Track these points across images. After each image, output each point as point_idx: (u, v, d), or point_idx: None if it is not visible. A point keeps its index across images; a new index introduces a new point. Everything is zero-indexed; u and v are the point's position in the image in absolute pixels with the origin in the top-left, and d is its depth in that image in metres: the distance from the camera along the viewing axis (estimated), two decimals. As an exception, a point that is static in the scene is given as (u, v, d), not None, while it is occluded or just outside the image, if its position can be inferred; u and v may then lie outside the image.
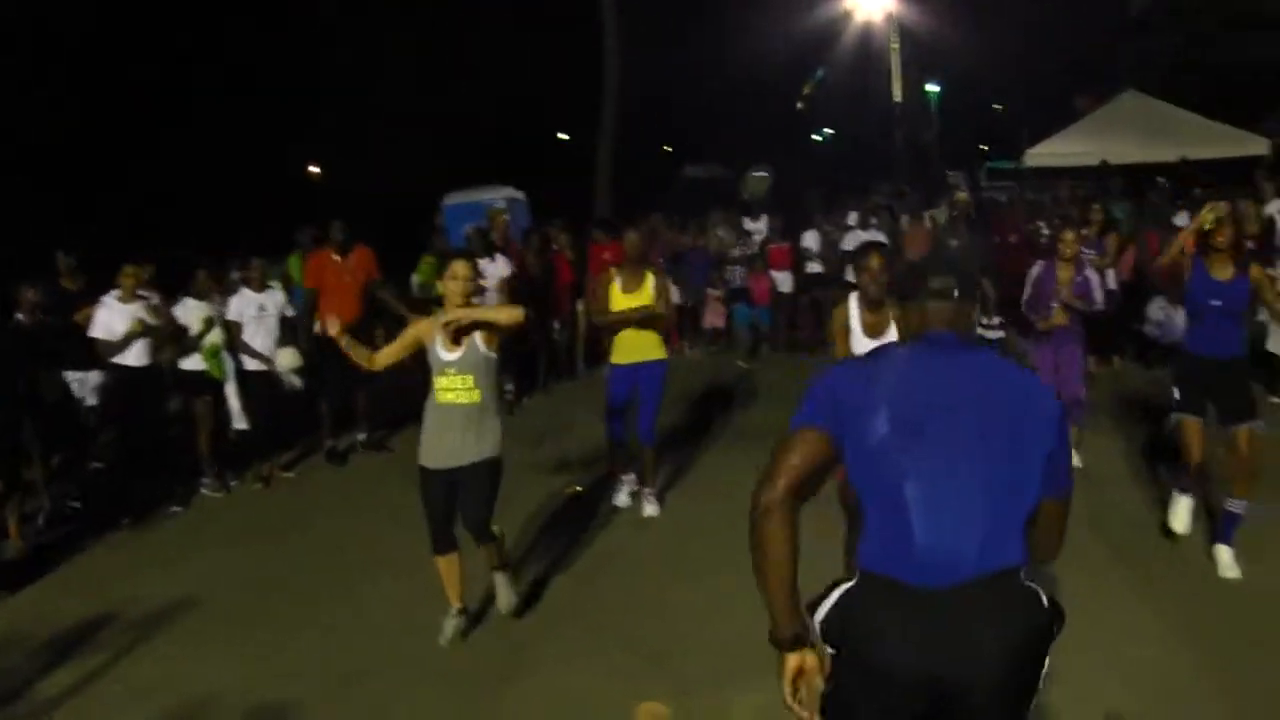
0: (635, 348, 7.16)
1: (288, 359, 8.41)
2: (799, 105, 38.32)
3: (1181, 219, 10.10)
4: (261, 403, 8.70)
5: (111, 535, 7.71)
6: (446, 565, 5.43)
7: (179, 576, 6.78)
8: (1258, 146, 18.71)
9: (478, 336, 5.16)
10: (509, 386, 10.55)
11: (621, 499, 7.55)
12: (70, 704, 5.17)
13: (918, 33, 25.75)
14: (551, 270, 11.47)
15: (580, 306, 11.94)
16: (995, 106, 42.21)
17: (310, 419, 9.42)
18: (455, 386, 5.16)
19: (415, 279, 9.69)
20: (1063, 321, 7.46)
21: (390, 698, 5.05)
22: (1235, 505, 5.70)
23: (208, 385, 8.48)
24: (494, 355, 5.24)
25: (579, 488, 7.96)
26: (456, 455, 5.22)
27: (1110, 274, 10.15)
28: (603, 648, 5.36)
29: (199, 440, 8.50)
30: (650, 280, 7.10)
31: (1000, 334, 11.47)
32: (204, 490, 8.53)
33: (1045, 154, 19.94)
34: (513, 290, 10.23)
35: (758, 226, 13.56)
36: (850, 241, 12.29)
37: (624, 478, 7.62)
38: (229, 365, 8.54)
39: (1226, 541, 5.74)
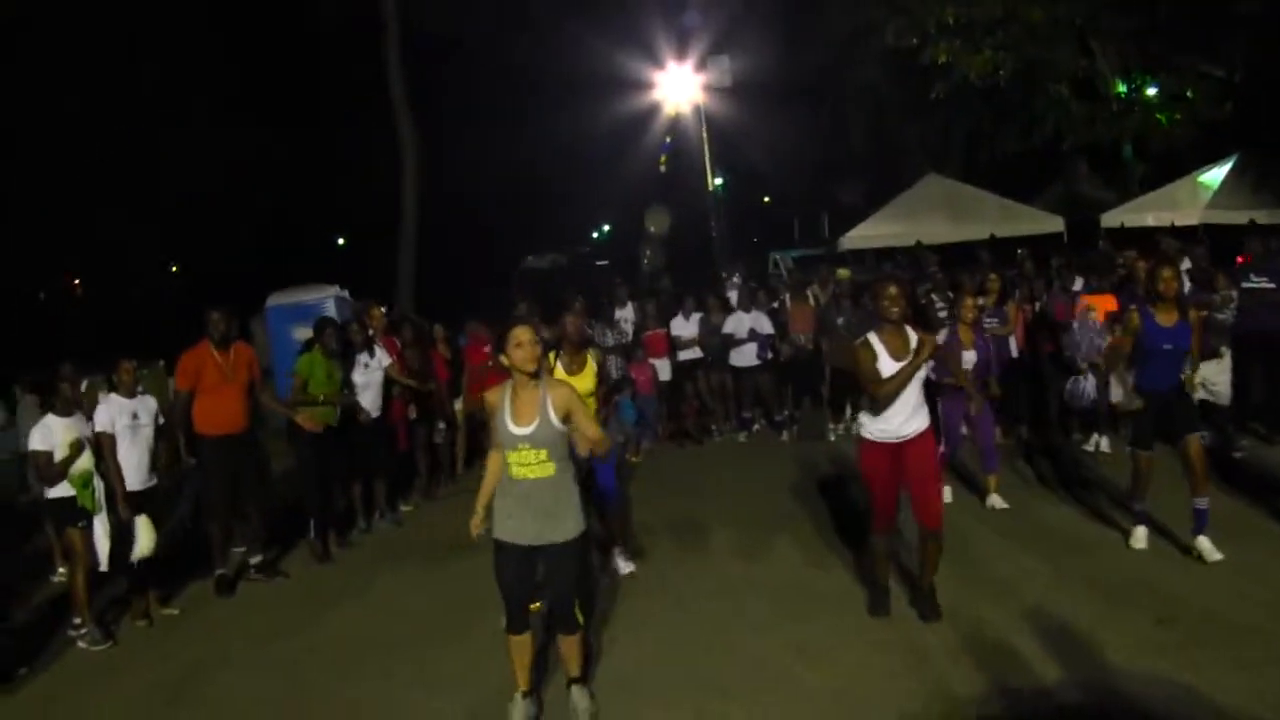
0: None
1: (144, 541, 7.15)
2: (661, 168, 38.84)
3: (1078, 284, 10.30)
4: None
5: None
6: (520, 646, 5.19)
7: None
8: (1054, 224, 19.93)
9: (550, 408, 4.86)
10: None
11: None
12: None
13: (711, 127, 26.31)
14: (430, 365, 10.52)
15: (458, 405, 11.04)
16: (765, 199, 43.97)
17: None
18: (528, 461, 4.86)
19: (297, 379, 8.53)
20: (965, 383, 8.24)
21: None
22: (1201, 503, 6.63)
23: (81, 513, 6.98)
24: (566, 428, 4.91)
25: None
26: (537, 534, 4.94)
27: (1011, 341, 10.20)
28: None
29: (73, 581, 7.01)
30: (591, 361, 7.10)
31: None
32: (81, 644, 6.97)
33: (860, 237, 20.58)
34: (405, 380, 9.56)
35: (625, 314, 13.02)
36: (732, 324, 11.95)
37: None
38: (100, 493, 7.09)
39: (1202, 532, 6.63)
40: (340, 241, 40.38)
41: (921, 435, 5.94)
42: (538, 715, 5.28)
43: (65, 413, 7.03)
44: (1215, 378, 9.28)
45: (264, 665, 6.47)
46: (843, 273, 12.76)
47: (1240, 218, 16.15)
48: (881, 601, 6.22)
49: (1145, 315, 6.70)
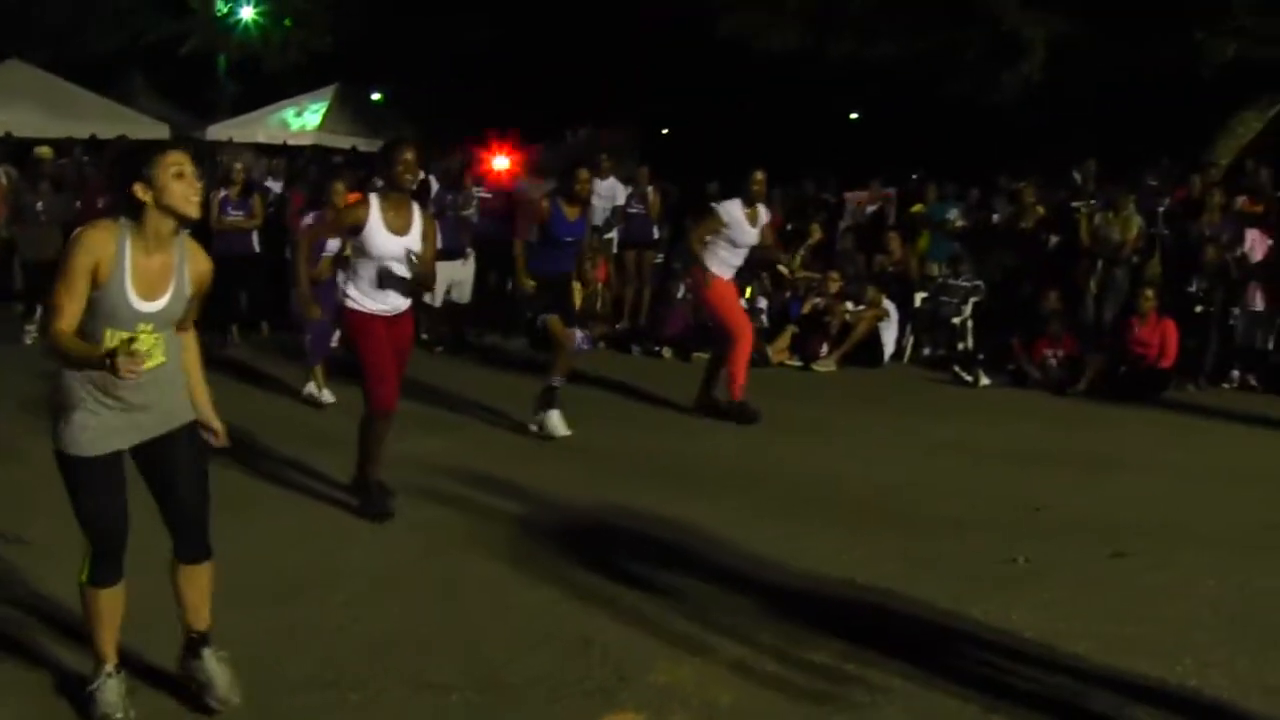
0: None
1: None
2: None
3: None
4: None
5: None
6: (113, 603, 3.16)
7: None
8: (160, 130, 18.36)
9: (186, 275, 3.12)
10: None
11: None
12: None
13: None
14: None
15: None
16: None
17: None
18: (146, 348, 2.99)
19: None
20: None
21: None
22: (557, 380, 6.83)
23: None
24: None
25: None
26: (154, 420, 3.13)
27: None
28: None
29: None
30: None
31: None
32: None
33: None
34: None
35: None
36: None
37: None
38: None
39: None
40: None
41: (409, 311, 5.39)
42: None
43: None
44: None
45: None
46: (43, 151, 12.23)
47: (345, 143, 19.81)
48: (387, 501, 5.16)
49: (555, 209, 6.70)
